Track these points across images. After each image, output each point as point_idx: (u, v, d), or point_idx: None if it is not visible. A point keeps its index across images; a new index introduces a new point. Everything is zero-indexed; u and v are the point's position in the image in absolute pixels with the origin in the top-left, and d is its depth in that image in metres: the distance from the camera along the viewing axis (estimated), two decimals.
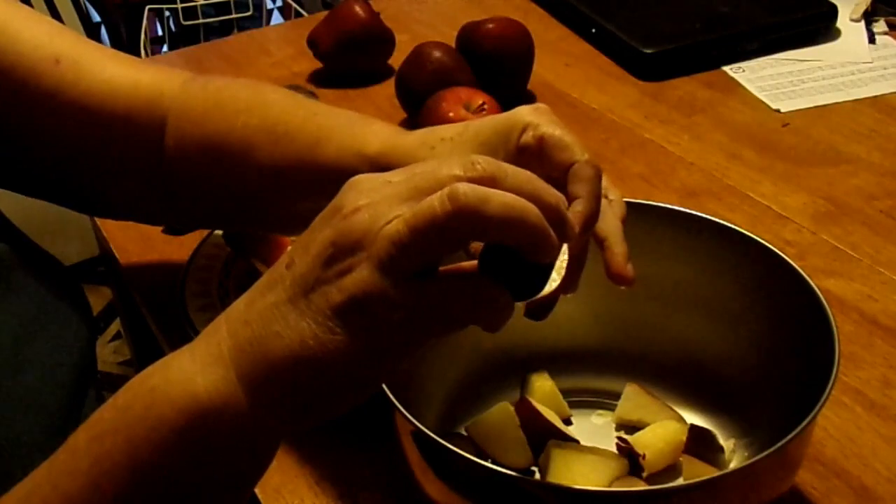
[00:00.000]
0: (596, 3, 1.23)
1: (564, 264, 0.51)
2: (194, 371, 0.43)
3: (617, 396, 0.67)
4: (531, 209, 0.40)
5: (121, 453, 0.43)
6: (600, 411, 0.68)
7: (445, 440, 0.51)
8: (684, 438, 0.62)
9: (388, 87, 1.08)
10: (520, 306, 0.47)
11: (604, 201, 0.54)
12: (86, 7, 2.19)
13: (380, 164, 0.59)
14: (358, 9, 1.11)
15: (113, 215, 0.77)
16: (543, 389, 0.66)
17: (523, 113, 0.55)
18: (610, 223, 0.54)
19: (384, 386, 0.53)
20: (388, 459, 0.64)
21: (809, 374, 0.55)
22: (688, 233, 0.65)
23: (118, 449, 0.43)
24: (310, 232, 0.43)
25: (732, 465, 0.61)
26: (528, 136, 0.54)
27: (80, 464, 0.43)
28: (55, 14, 2.10)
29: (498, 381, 0.68)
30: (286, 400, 0.42)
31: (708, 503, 0.50)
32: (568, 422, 0.67)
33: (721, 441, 0.63)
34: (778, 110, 1.04)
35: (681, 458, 0.62)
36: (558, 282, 0.50)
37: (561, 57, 1.17)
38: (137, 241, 0.88)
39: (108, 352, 2.14)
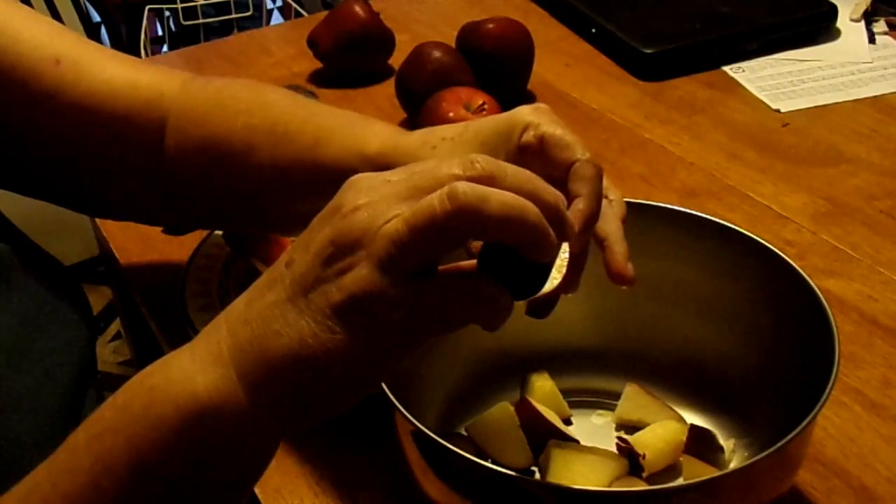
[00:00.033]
0: (596, 3, 1.24)
1: (565, 263, 0.51)
2: (194, 370, 0.43)
3: (617, 396, 0.67)
4: (530, 208, 0.40)
5: (121, 452, 0.43)
6: (600, 411, 0.68)
7: (445, 440, 0.51)
8: (684, 438, 0.62)
9: (388, 87, 1.08)
10: (520, 305, 0.47)
11: (604, 201, 0.54)
12: (86, 7, 2.19)
13: (380, 165, 0.59)
14: (358, 9, 1.12)
15: (113, 216, 0.77)
16: (543, 389, 0.66)
17: (524, 112, 0.55)
18: (610, 223, 0.54)
19: (384, 386, 0.53)
20: (388, 459, 0.64)
21: (809, 374, 0.55)
22: (688, 233, 0.65)
23: (118, 448, 0.43)
24: (309, 231, 0.43)
25: (732, 465, 0.61)
26: (528, 136, 0.54)
27: (80, 462, 0.43)
28: (55, 14, 2.10)
29: (498, 381, 0.68)
30: (286, 399, 0.42)
31: (708, 503, 0.50)
32: (568, 422, 0.67)
33: (721, 441, 0.63)
34: (778, 110, 1.04)
35: (681, 458, 0.62)
36: (559, 280, 0.50)
37: (561, 57, 1.17)
38: (137, 241, 0.88)
39: (108, 352, 2.14)
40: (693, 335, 0.66)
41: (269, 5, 2.35)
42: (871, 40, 1.18)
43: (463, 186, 0.39)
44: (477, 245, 0.44)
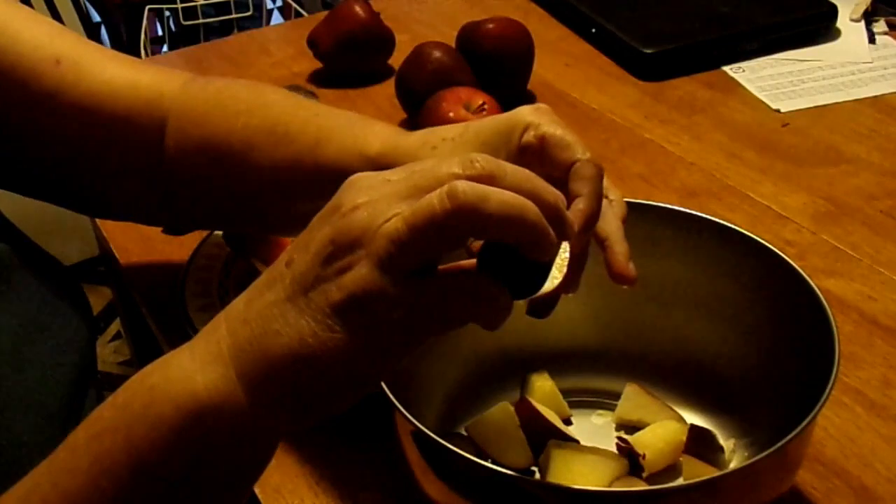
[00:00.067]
0: (596, 3, 1.24)
1: (566, 263, 0.51)
2: (194, 369, 0.43)
3: (617, 396, 0.67)
4: (530, 207, 0.40)
5: (120, 451, 0.43)
6: (600, 411, 0.68)
7: (445, 440, 0.51)
8: (684, 438, 0.62)
9: (388, 87, 1.08)
10: (520, 305, 0.47)
11: (604, 201, 0.54)
12: (86, 7, 2.19)
13: (380, 165, 0.59)
14: (358, 9, 1.11)
15: (113, 216, 0.77)
16: (543, 389, 0.66)
17: (524, 113, 0.55)
18: (610, 223, 0.54)
19: (384, 386, 0.53)
20: (388, 459, 0.64)
21: (809, 374, 0.55)
22: (688, 233, 0.65)
23: (118, 447, 0.43)
24: (309, 230, 0.43)
25: (732, 465, 0.61)
26: (529, 136, 0.54)
27: (80, 462, 0.43)
28: (55, 14, 2.10)
29: (498, 381, 0.68)
30: (286, 398, 0.42)
31: (708, 503, 0.50)
32: (568, 422, 0.67)
33: (721, 441, 0.63)
34: (778, 110, 1.04)
35: (681, 458, 0.62)
36: (559, 279, 0.50)
37: (561, 57, 1.17)
38: (137, 241, 0.88)
39: (108, 352, 2.14)
40: (693, 335, 0.66)
41: (269, 5, 2.35)
42: (871, 40, 1.18)
43: (463, 185, 0.39)
44: (477, 244, 0.44)
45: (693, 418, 0.66)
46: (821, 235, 0.85)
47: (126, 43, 2.09)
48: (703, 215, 0.64)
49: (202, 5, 2.06)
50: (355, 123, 0.63)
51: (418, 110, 0.95)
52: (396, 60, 1.07)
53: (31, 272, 0.65)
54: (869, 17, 1.22)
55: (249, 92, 0.67)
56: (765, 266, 0.61)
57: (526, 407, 0.63)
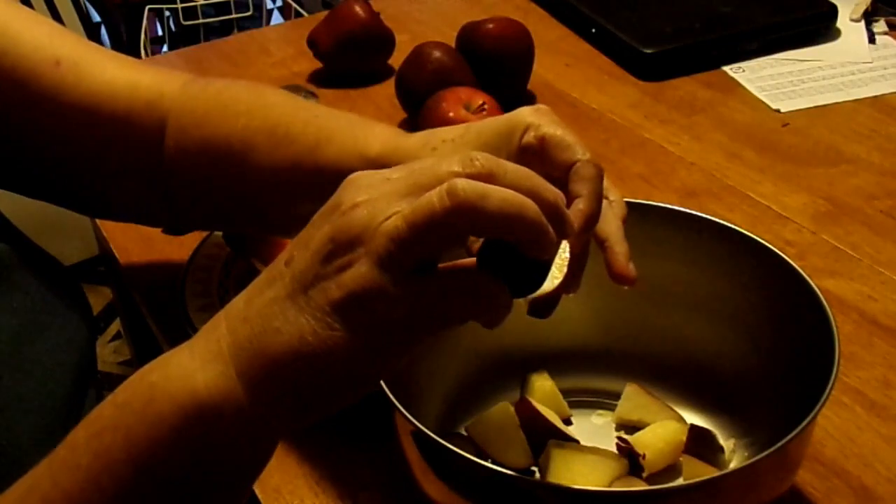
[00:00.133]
0: (596, 3, 1.24)
1: (566, 263, 0.51)
2: (194, 368, 0.43)
3: (617, 396, 0.67)
4: (529, 205, 0.40)
5: (120, 450, 0.43)
6: (600, 411, 0.68)
7: (445, 440, 0.51)
8: (684, 438, 0.62)
9: (388, 87, 1.08)
10: (520, 304, 0.47)
11: (604, 202, 0.54)
12: (86, 7, 2.19)
13: (380, 167, 0.58)
14: (358, 9, 1.12)
15: (113, 216, 0.77)
16: (543, 389, 0.66)
17: (525, 114, 0.55)
18: (610, 223, 0.54)
19: (384, 386, 0.53)
20: (388, 459, 0.64)
21: (809, 374, 0.55)
22: (688, 233, 0.65)
23: (117, 445, 0.43)
24: (309, 228, 0.43)
25: (732, 465, 0.61)
26: (529, 137, 0.54)
27: (80, 460, 0.44)
28: (55, 14, 2.10)
29: (498, 381, 0.68)
30: (285, 396, 0.42)
31: (708, 503, 0.50)
32: (568, 422, 0.67)
33: (721, 441, 0.63)
34: (778, 110, 1.04)
35: (681, 458, 0.62)
36: (560, 279, 0.50)
37: (561, 57, 1.17)
38: (137, 241, 0.88)
39: (108, 352, 2.14)
40: (693, 335, 0.66)
41: (269, 5, 2.35)
42: (871, 40, 1.18)
43: (462, 183, 0.39)
44: (476, 244, 0.44)
45: (693, 418, 0.66)
46: (821, 235, 0.85)
47: (126, 43, 2.09)
48: (703, 215, 0.64)
49: (202, 5, 2.06)
50: (356, 125, 0.63)
51: (418, 110, 0.95)
52: (396, 60, 1.07)
53: (30, 272, 0.65)
54: (869, 17, 1.22)
55: (250, 93, 0.67)
56: (765, 266, 0.61)
57: (526, 407, 0.63)
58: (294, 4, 2.05)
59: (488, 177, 0.41)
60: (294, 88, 1.09)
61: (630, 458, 0.62)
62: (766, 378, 0.63)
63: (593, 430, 0.67)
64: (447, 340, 0.62)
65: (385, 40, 1.14)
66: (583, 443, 0.63)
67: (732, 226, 0.63)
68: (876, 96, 1.06)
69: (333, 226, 0.41)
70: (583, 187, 0.51)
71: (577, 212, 0.50)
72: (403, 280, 0.40)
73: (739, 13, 1.17)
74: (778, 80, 1.10)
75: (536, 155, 0.54)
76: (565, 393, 0.67)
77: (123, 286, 0.89)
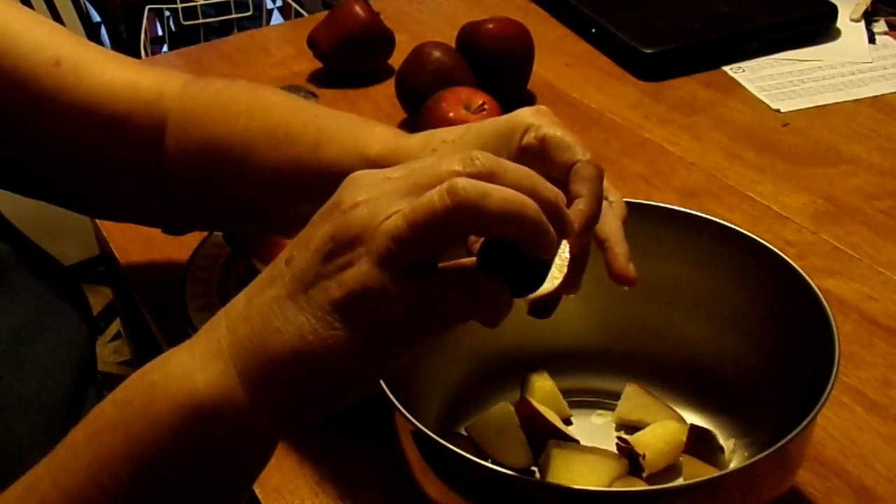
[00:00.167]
0: (596, 3, 1.24)
1: (566, 263, 0.51)
2: (194, 367, 0.43)
3: (617, 396, 0.67)
4: (530, 204, 0.40)
5: (120, 449, 0.43)
6: (600, 411, 0.68)
7: (445, 440, 0.51)
8: (684, 438, 0.62)
9: (388, 87, 1.08)
10: (520, 305, 0.47)
11: (604, 202, 0.54)
12: (86, 7, 2.19)
13: (381, 167, 0.59)
14: (358, 9, 1.12)
15: (113, 216, 0.77)
16: (543, 389, 0.66)
17: (524, 115, 0.55)
18: (610, 224, 0.54)
19: (384, 386, 0.53)
20: (388, 459, 0.64)
21: (809, 374, 0.55)
22: (688, 233, 0.65)
23: (117, 444, 0.43)
24: (310, 227, 0.43)
25: (732, 465, 0.61)
26: (529, 138, 0.54)
27: (80, 459, 0.44)
28: (55, 14, 2.10)
29: (498, 381, 0.68)
30: (285, 396, 0.42)
31: (708, 503, 0.50)
32: (568, 422, 0.67)
33: (721, 441, 0.63)
34: (778, 110, 1.04)
35: (681, 458, 0.62)
36: (560, 280, 0.50)
37: (561, 57, 1.17)
38: (137, 241, 0.88)
39: (108, 352, 2.14)
40: (693, 335, 0.66)
41: (269, 5, 2.35)
42: (871, 40, 1.18)
43: (463, 182, 0.39)
44: (476, 244, 0.44)
45: (693, 418, 0.66)
46: (821, 235, 0.85)
47: (126, 43, 2.09)
48: (703, 215, 0.64)
49: (202, 5, 2.06)
50: (356, 125, 0.63)
51: (418, 110, 0.95)
52: (396, 60, 1.07)
53: (30, 272, 0.65)
54: (869, 17, 1.22)
55: (250, 93, 0.67)
56: (765, 266, 0.61)
57: (526, 407, 0.63)
58: (294, 4, 2.05)
59: (489, 176, 0.41)
60: (294, 88, 1.09)
61: (630, 458, 0.62)
62: (766, 378, 0.63)
63: (593, 430, 0.67)
64: (447, 340, 0.62)
65: (385, 40, 1.14)
66: (583, 443, 0.63)
67: (732, 226, 0.63)
68: (876, 96, 1.06)
69: (334, 225, 0.41)
70: (583, 188, 0.51)
71: (577, 212, 0.50)
72: (404, 279, 0.40)
73: (739, 13, 1.17)
74: (778, 80, 1.10)
75: (536, 156, 0.54)
76: (565, 393, 0.68)
77: (123, 286, 0.89)
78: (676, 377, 0.67)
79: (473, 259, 0.43)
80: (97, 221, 0.92)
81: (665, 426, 0.64)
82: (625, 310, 0.67)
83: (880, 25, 1.21)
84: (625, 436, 0.64)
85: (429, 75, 0.99)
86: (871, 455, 0.64)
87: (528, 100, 1.08)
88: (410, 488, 0.56)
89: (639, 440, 0.63)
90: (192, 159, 0.66)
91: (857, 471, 0.63)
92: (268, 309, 0.42)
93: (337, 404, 0.43)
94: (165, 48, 2.25)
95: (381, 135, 0.62)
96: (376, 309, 0.40)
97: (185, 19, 2.06)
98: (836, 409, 0.67)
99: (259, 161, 0.64)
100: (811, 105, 1.05)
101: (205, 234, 0.81)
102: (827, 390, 0.52)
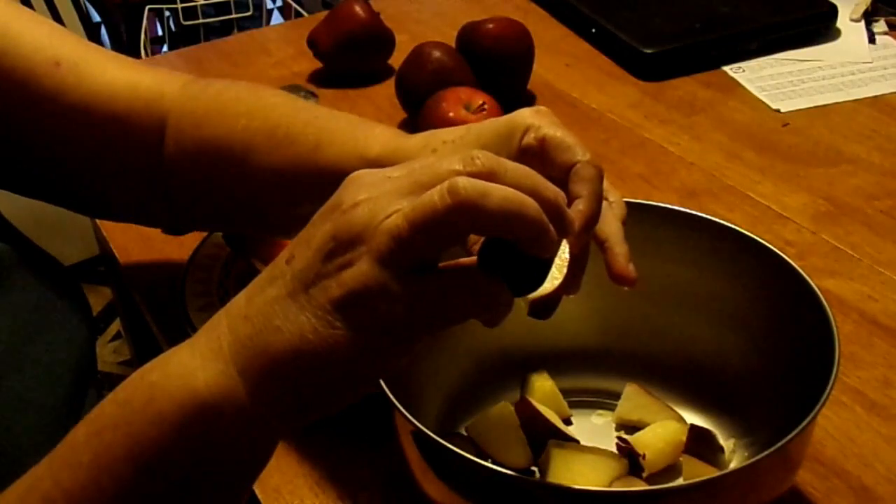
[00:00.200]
0: (596, 3, 1.24)
1: (566, 263, 0.51)
2: (194, 366, 0.43)
3: (617, 396, 0.67)
4: (530, 203, 0.40)
5: (120, 448, 0.43)
6: (600, 411, 0.68)
7: (445, 440, 0.51)
8: (684, 438, 0.62)
9: (388, 87, 1.08)
10: (520, 304, 0.47)
11: (604, 203, 0.54)
12: (86, 7, 2.19)
13: (381, 167, 0.59)
14: (358, 9, 1.12)
15: (113, 217, 0.77)
16: (543, 389, 0.66)
17: (524, 115, 0.55)
18: (610, 224, 0.54)
19: (384, 386, 0.53)
20: (388, 459, 0.64)
21: (809, 374, 0.55)
22: (688, 233, 0.65)
23: (118, 443, 0.43)
24: (310, 227, 0.43)
25: (732, 465, 0.61)
26: (529, 138, 0.54)
27: (81, 458, 0.44)
28: (55, 14, 2.10)
29: (498, 381, 0.68)
30: (286, 395, 0.42)
31: (708, 503, 0.50)
32: (568, 422, 0.67)
33: (721, 441, 0.63)
34: (778, 110, 1.04)
35: (681, 458, 0.62)
36: (560, 280, 0.50)
37: (561, 57, 1.17)
38: (137, 241, 0.88)
39: (108, 352, 2.15)
40: (693, 335, 0.66)
41: (269, 5, 2.35)
42: (871, 40, 1.18)
43: (463, 181, 0.39)
44: (476, 245, 0.44)
45: (693, 418, 0.66)
46: (821, 235, 0.85)
47: (126, 43, 2.09)
48: (703, 215, 0.64)
49: (202, 5, 2.06)
50: (356, 126, 0.63)
51: (418, 110, 0.95)
52: (396, 60, 1.07)
53: (30, 272, 0.65)
54: (869, 17, 1.22)
55: (250, 94, 0.67)
56: (765, 266, 0.61)
57: (526, 407, 0.63)
58: (294, 4, 2.05)
59: (489, 175, 0.41)
60: (294, 88, 1.09)
61: (630, 458, 0.62)
62: (766, 378, 0.63)
63: (593, 430, 0.67)
64: (447, 340, 0.62)
65: (385, 40, 1.14)
66: (583, 443, 0.63)
67: (732, 226, 0.63)
68: (876, 96, 1.06)
69: (335, 224, 0.41)
70: (583, 188, 0.51)
71: (576, 212, 0.50)
72: (404, 278, 0.40)
73: (739, 13, 1.17)
74: (778, 80, 1.10)
75: (536, 156, 0.54)
76: (565, 393, 0.68)
77: (123, 286, 0.89)
78: (676, 377, 0.67)
79: (474, 259, 0.43)
80: (97, 221, 0.92)
81: (665, 426, 0.64)
82: (625, 310, 0.67)
83: (880, 25, 1.21)
84: (625, 436, 0.64)
85: (429, 75, 0.99)
86: (871, 455, 0.64)
87: (528, 100, 1.08)
88: (410, 488, 0.56)
89: (639, 440, 0.63)
90: (192, 159, 0.66)
91: (857, 471, 0.63)
92: (268, 308, 0.42)
93: (337, 404, 0.43)
94: (165, 48, 2.25)
95: (381, 135, 0.62)
96: (377, 308, 0.40)
97: (185, 19, 2.06)
98: (836, 409, 0.67)
99: (259, 161, 0.64)
100: (811, 105, 1.05)
101: (205, 234, 0.81)
102: (827, 390, 0.52)
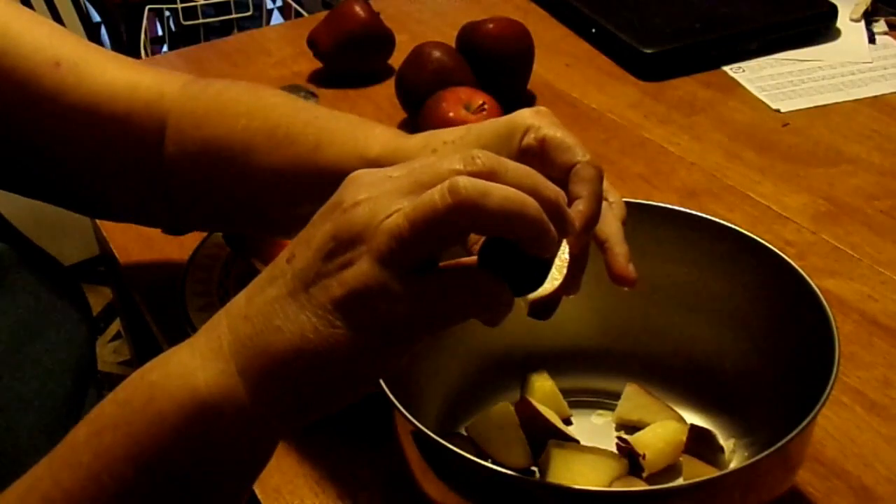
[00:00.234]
0: (596, 3, 1.24)
1: (566, 264, 0.51)
2: (194, 366, 0.43)
3: (617, 396, 0.67)
4: (530, 202, 0.40)
5: (121, 447, 0.43)
6: (600, 411, 0.68)
7: (445, 440, 0.51)
8: (684, 438, 0.62)
9: (388, 87, 1.08)
10: (521, 304, 0.48)
11: (604, 203, 0.54)
12: (86, 7, 2.19)
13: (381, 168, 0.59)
14: (358, 9, 1.12)
15: (113, 217, 0.77)
16: (543, 389, 0.66)
17: (524, 116, 0.56)
18: (610, 224, 0.54)
19: (384, 386, 0.53)
20: (388, 459, 0.64)
21: (809, 374, 0.55)
22: (688, 233, 0.65)
23: (118, 443, 0.43)
24: (311, 226, 0.43)
25: (732, 465, 0.61)
26: (529, 139, 0.54)
27: (81, 458, 0.44)
28: (55, 14, 2.10)
29: (498, 381, 0.68)
30: (286, 394, 0.42)
31: (708, 503, 0.50)
32: (568, 422, 0.67)
33: (721, 441, 0.63)
34: (778, 110, 1.04)
35: (681, 458, 0.62)
36: (560, 280, 0.50)
37: (561, 57, 1.17)
38: (137, 241, 0.88)
39: (108, 352, 2.14)
40: (693, 335, 0.66)
41: (269, 5, 2.35)
42: (871, 40, 1.18)
43: (464, 181, 0.39)
44: (477, 245, 0.44)
45: (693, 418, 0.66)
46: (821, 235, 0.85)
47: (126, 43, 2.09)
48: (703, 215, 0.64)
49: (202, 5, 2.06)
50: (356, 126, 0.63)
51: (418, 110, 0.95)
52: (396, 60, 1.07)
53: (30, 272, 0.65)
54: (869, 17, 1.22)
55: (250, 94, 0.67)
56: (765, 266, 0.61)
57: (526, 407, 0.63)
58: (294, 4, 2.05)
59: (489, 175, 0.41)
60: (294, 88, 1.09)
61: (630, 458, 0.62)
62: (766, 378, 0.63)
63: (593, 430, 0.67)
64: (447, 340, 0.62)
65: (385, 40, 1.14)
66: (583, 443, 0.63)
67: (732, 226, 0.63)
68: (876, 96, 1.06)
69: (335, 223, 0.41)
70: (583, 188, 0.51)
71: (577, 212, 0.50)
72: (405, 278, 0.40)
73: (739, 13, 1.17)
74: (778, 80, 1.10)
75: (536, 157, 0.54)
76: (565, 393, 0.68)
77: (123, 286, 0.89)
78: (676, 377, 0.67)
79: (474, 258, 0.43)
80: (97, 221, 0.92)
81: (665, 426, 0.64)
82: (625, 310, 0.67)
83: (880, 25, 1.21)
84: (625, 436, 0.64)
85: (429, 75, 0.99)
86: (871, 455, 0.64)
87: (528, 100, 1.08)
88: (410, 488, 0.56)
89: (639, 440, 0.63)
90: (191, 159, 0.66)
91: (857, 471, 0.63)
92: (269, 307, 0.42)
93: (337, 403, 0.43)
94: (165, 48, 2.25)
95: (381, 135, 0.62)
96: (377, 307, 0.40)
97: (185, 19, 2.06)
98: (836, 409, 0.67)
99: (259, 161, 0.64)
100: (811, 105, 1.05)
101: (205, 234, 0.81)
102: (827, 390, 0.52)
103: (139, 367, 0.45)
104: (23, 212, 0.79)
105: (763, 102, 1.06)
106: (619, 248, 0.54)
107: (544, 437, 0.61)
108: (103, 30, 2.22)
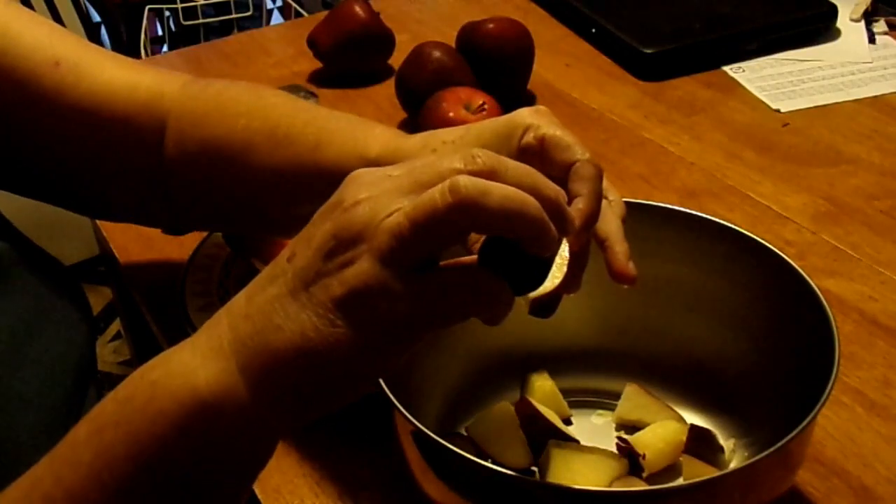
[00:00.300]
0: (596, 3, 1.24)
1: (566, 262, 0.51)
2: (195, 364, 0.43)
3: (617, 396, 0.67)
4: (531, 202, 0.40)
5: (122, 446, 0.43)
6: (600, 411, 0.68)
7: (445, 440, 0.51)
8: (684, 438, 0.62)
9: (388, 87, 1.08)
10: (521, 304, 0.47)
11: (604, 202, 0.54)
12: (86, 7, 2.19)
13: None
14: (358, 9, 1.12)
15: (113, 217, 0.77)
16: (543, 389, 0.66)
17: (524, 115, 0.56)
18: (610, 223, 0.54)
19: (384, 385, 0.53)
20: (388, 459, 0.64)
21: (809, 374, 0.55)
22: (688, 233, 0.65)
23: (119, 441, 0.43)
24: (311, 225, 0.43)
25: (732, 465, 0.61)
26: (529, 138, 0.54)
27: (82, 456, 0.44)
28: (55, 14, 2.10)
29: (498, 381, 0.68)
30: (286, 393, 0.42)
31: (708, 503, 0.50)
32: (568, 422, 0.67)
33: (721, 441, 0.63)
34: (778, 110, 1.04)
35: (681, 458, 0.62)
36: (560, 279, 0.50)
37: (561, 57, 1.17)
38: (137, 241, 0.88)
39: (108, 352, 2.14)
40: (693, 335, 0.66)
41: (269, 5, 2.35)
42: (871, 40, 1.18)
43: (464, 180, 0.39)
44: (477, 244, 0.44)
45: (693, 418, 0.66)
46: (821, 235, 0.85)
47: (126, 43, 2.09)
48: (703, 215, 0.64)
49: (202, 5, 2.06)
50: (356, 126, 0.63)
51: (418, 110, 0.95)
52: (396, 60, 1.07)
53: (30, 271, 0.65)
54: (869, 17, 1.22)
55: (250, 94, 0.67)
56: (765, 266, 0.61)
57: (526, 407, 0.63)
58: (294, 4, 2.05)
59: (490, 174, 0.41)
60: (294, 88, 1.09)
61: (630, 458, 0.62)
62: (766, 378, 0.63)
63: (593, 430, 0.67)
64: (447, 340, 0.62)
65: (385, 40, 1.14)
66: (583, 443, 0.63)
67: (732, 226, 0.63)
68: (876, 96, 1.06)
69: (335, 223, 0.41)
70: (582, 187, 0.51)
71: (576, 211, 0.50)
72: (405, 277, 0.40)
73: (739, 13, 1.17)
74: (778, 80, 1.10)
75: (536, 156, 0.54)
76: (565, 393, 0.68)
77: (123, 286, 0.89)
78: (676, 377, 0.67)
79: (474, 257, 0.43)
80: (97, 221, 0.92)
81: (665, 426, 0.64)
82: (625, 310, 0.67)
83: (880, 25, 1.21)
84: (625, 436, 0.64)
85: (429, 75, 0.99)
86: (871, 455, 0.64)
87: (528, 100, 1.08)
88: (410, 488, 0.56)
89: (639, 440, 0.63)
90: (191, 159, 0.66)
91: (857, 471, 0.63)
92: (269, 306, 0.42)
93: (338, 402, 0.43)
94: (165, 48, 2.25)
95: (380, 135, 0.62)
96: (378, 306, 0.40)
97: (185, 19, 2.06)
98: (836, 409, 0.67)
99: (259, 161, 0.64)
100: (811, 105, 1.05)
101: (205, 234, 0.81)
102: (827, 390, 0.52)
103: (139, 367, 0.45)
104: (23, 212, 0.79)
105: (763, 102, 1.06)
106: (619, 246, 0.54)
107: (544, 437, 0.61)
108: (103, 30, 2.22)
